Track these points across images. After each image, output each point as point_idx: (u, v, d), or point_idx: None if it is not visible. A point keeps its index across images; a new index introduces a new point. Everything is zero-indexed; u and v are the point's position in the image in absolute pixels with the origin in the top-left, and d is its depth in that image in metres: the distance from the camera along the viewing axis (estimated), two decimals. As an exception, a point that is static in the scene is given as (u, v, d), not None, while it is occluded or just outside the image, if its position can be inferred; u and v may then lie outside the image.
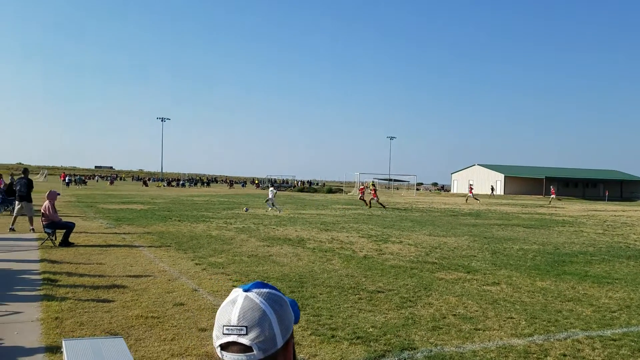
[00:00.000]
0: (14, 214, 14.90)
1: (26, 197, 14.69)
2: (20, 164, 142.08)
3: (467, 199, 43.16)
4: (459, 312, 6.49)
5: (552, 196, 48.13)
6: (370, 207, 28.39)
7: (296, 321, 1.16)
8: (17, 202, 14.91)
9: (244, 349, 1.03)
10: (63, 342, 3.03)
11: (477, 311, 6.62)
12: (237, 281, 7.95)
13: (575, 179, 79.55)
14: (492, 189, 66.87)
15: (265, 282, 1.13)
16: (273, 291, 1.11)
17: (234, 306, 1.06)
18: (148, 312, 6.05)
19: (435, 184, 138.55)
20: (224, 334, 1.05)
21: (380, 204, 26.71)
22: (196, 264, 9.44)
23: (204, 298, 6.86)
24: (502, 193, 76.58)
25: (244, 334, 1.03)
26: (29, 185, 15.03)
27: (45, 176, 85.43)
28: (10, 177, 23.74)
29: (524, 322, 6.14)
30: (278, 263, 9.73)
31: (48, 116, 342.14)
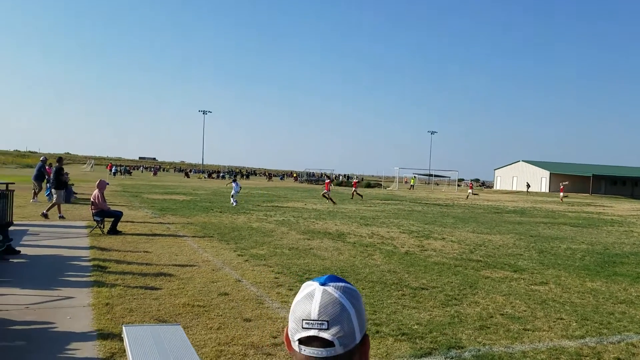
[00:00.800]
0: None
1: (55, 185, 15.14)
2: (68, 153, 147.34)
3: (467, 196, 42.92)
4: (507, 312, 6.33)
5: (560, 194, 45.20)
6: (331, 201, 26.79)
7: None
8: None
9: (325, 343, 1.01)
10: (123, 328, 3.10)
11: (525, 311, 6.44)
12: (279, 273, 7.99)
13: (624, 177, 76.55)
14: (528, 186, 64.72)
15: (338, 275, 1.10)
16: (349, 285, 1.08)
17: (313, 300, 1.03)
18: (194, 301, 6.15)
19: (477, 180, 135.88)
20: (303, 327, 1.02)
21: (330, 198, 26.16)
22: (238, 255, 9.55)
23: (248, 289, 6.92)
24: (547, 190, 74.52)
25: (325, 329, 1.00)
26: (57, 173, 15.49)
27: (92, 166, 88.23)
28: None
29: (574, 324, 5.94)
30: (319, 257, 9.73)
31: (95, 108, 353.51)
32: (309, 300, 1.04)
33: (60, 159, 17.02)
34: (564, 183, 47.70)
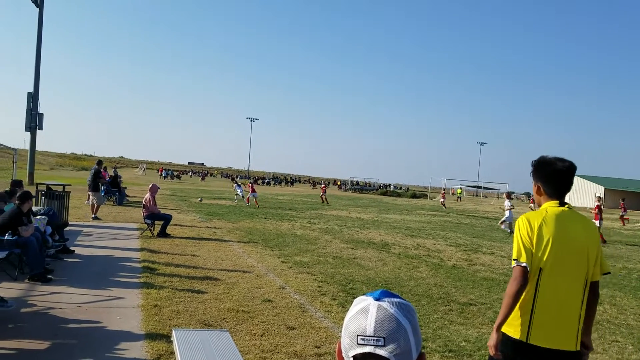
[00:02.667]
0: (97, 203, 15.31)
1: (92, 187, 15.48)
2: (122, 157, 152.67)
3: (443, 204, 41.24)
4: (558, 332, 6.07)
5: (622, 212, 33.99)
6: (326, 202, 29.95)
7: None
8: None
9: None
10: (173, 331, 3.16)
11: (578, 332, 6.16)
12: (322, 282, 7.96)
13: (687, 194, 72.48)
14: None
15: (390, 290, 1.07)
16: (404, 301, 1.05)
17: (368, 315, 1.01)
18: (239, 306, 6.21)
19: (527, 194, 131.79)
20: (358, 344, 1.00)
21: (325, 199, 26.68)
22: (282, 261, 9.59)
23: (291, 296, 6.93)
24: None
25: (381, 345, 0.98)
26: (95, 175, 15.87)
27: (144, 170, 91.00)
28: (113, 170, 25.48)
29: (630, 347, 5.64)
30: (363, 267, 9.65)
31: (147, 114, 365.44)
32: (364, 315, 1.01)
33: (99, 162, 17.42)
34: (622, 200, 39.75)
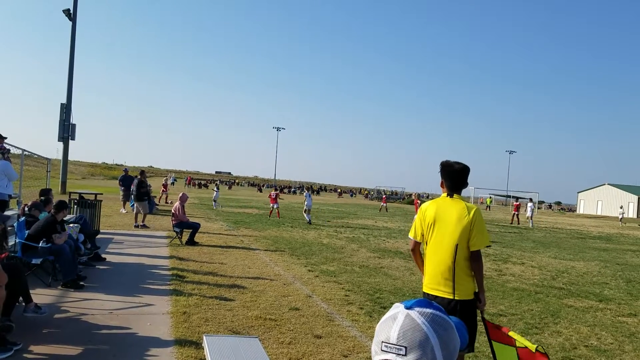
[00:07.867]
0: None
1: (137, 197, 16.21)
2: (151, 167, 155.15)
3: (380, 209, 40.18)
4: (592, 344, 5.93)
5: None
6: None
7: (462, 346, 1.06)
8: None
9: None
10: (204, 337, 3.20)
11: (612, 344, 5.99)
12: (349, 291, 7.94)
13: None
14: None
15: (429, 300, 1.05)
16: (437, 312, 1.02)
17: (394, 323, 1.00)
18: (266, 314, 6.23)
19: (558, 203, 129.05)
20: (382, 350, 0.99)
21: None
22: (309, 270, 9.60)
23: (318, 305, 6.92)
24: (636, 216, 69.68)
25: (402, 355, 0.96)
26: (138, 185, 16.50)
27: (172, 179, 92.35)
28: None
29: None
30: (390, 276, 9.58)
31: (177, 123, 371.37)
32: (391, 322, 1.00)
33: (142, 172, 17.91)
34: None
